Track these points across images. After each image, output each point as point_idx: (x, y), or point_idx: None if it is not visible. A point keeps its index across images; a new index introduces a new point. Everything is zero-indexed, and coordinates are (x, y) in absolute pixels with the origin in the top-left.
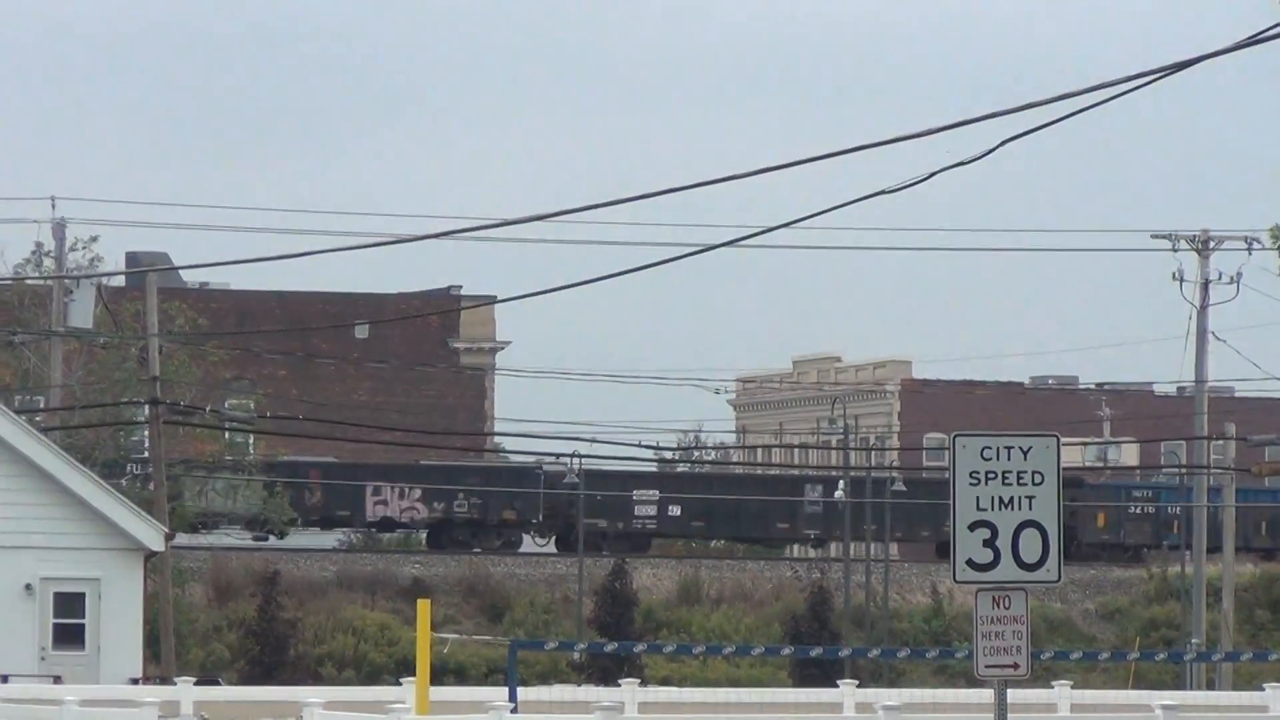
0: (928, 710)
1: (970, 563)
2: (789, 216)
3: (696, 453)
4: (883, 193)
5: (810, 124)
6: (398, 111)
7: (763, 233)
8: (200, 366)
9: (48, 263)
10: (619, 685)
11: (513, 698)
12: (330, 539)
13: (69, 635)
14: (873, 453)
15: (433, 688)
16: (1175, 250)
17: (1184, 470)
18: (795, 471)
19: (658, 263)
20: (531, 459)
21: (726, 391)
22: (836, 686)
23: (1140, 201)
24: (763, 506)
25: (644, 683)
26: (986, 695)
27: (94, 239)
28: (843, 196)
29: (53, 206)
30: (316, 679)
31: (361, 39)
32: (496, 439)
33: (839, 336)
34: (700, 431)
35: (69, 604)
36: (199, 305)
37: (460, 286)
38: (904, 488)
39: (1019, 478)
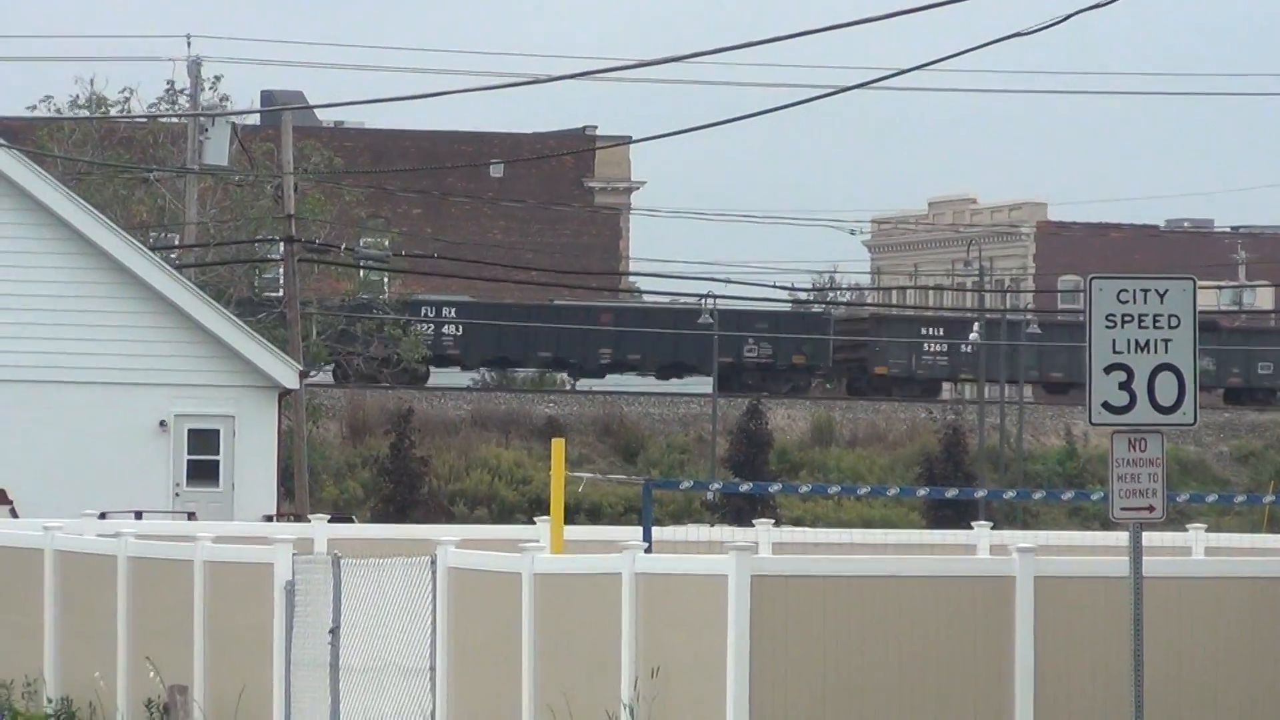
0: (1062, 552)
1: (1106, 405)
2: (924, 59)
3: (831, 293)
4: (1018, 35)
5: None
6: None
7: (898, 74)
8: (335, 205)
9: (181, 100)
10: (753, 525)
11: (647, 537)
12: (464, 377)
13: (203, 472)
14: (1008, 295)
15: (567, 527)
16: None
17: None
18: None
19: (793, 104)
20: (666, 299)
21: (861, 232)
22: (970, 528)
23: (1277, 45)
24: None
25: (778, 523)
26: (1121, 538)
27: (219, 78)
28: (979, 39)
29: (188, 45)
30: (449, 517)
31: None
32: (631, 279)
33: (974, 178)
34: (835, 272)
35: (203, 441)
36: (334, 144)
37: (595, 126)
38: (1039, 330)
39: (1155, 321)
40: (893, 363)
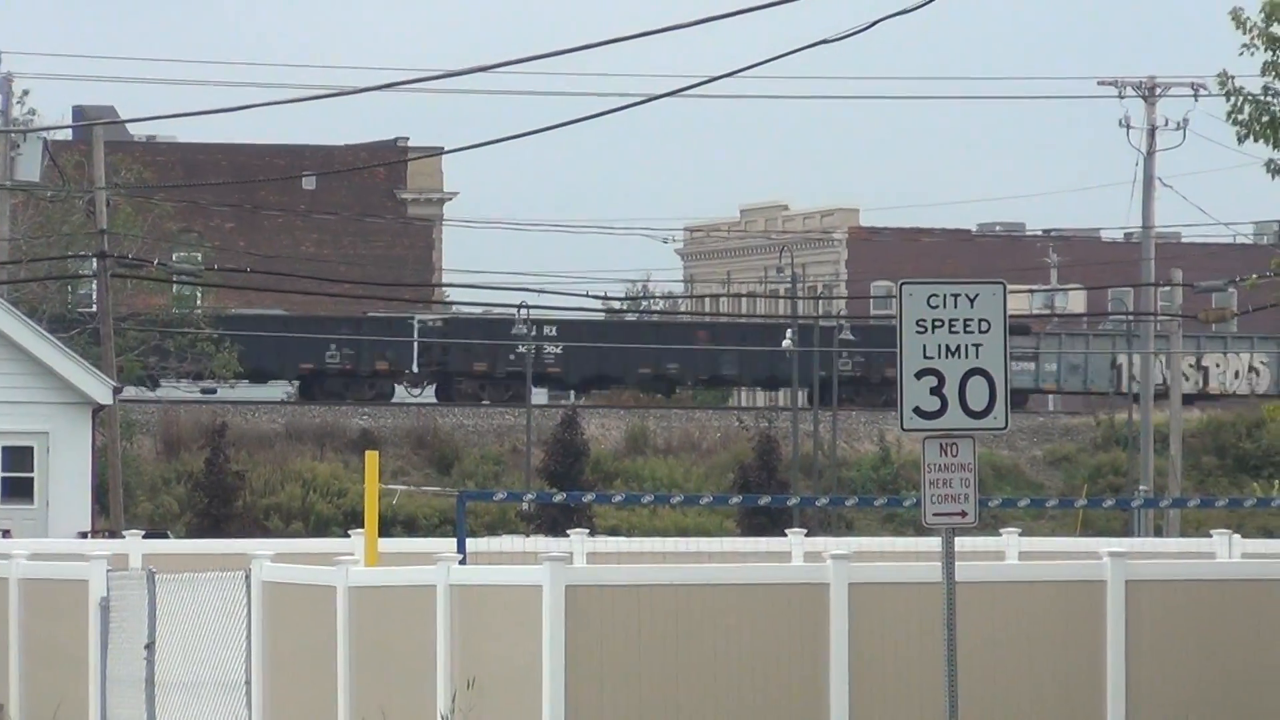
0: (877, 559)
1: (917, 410)
2: (735, 67)
3: (644, 302)
4: (824, 42)
5: None
6: None
7: (707, 82)
8: (147, 219)
9: None
10: (567, 535)
11: (461, 549)
12: (278, 391)
13: (17, 489)
14: (820, 301)
15: (381, 539)
16: (1122, 97)
17: (1131, 316)
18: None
19: (603, 113)
20: (479, 309)
21: (674, 241)
22: (785, 535)
23: (1087, 49)
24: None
25: (593, 533)
26: (935, 543)
27: (26, 93)
28: (789, 46)
29: None
30: (264, 531)
31: None
32: (444, 290)
33: (786, 185)
34: (648, 281)
35: (17, 458)
36: (145, 158)
37: (407, 138)
38: (852, 336)
39: (965, 325)
40: None
